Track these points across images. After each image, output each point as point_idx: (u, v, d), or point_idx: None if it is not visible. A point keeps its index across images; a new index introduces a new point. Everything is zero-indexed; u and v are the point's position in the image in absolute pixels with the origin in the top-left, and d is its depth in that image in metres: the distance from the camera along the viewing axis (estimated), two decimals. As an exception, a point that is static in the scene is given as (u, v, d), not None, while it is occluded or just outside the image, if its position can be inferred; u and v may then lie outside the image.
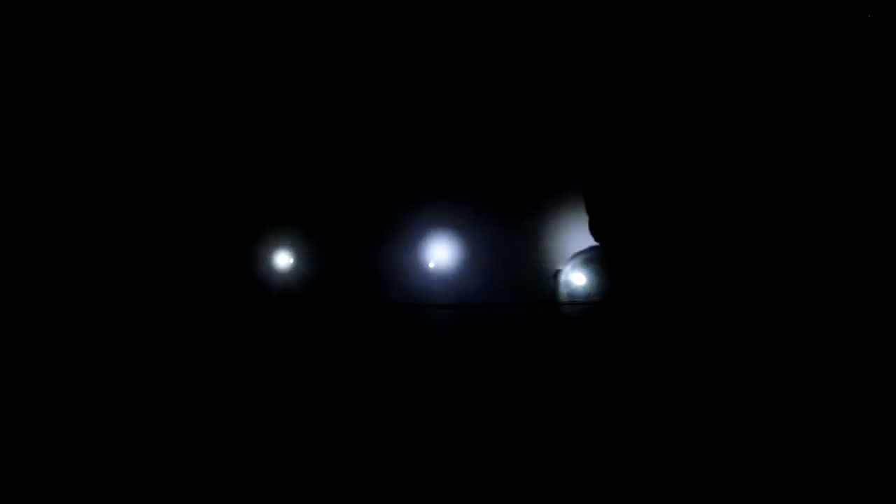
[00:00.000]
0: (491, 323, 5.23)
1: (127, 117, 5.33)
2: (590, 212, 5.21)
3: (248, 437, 5.20)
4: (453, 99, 5.36)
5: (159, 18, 5.28)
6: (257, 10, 5.26)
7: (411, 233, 5.27)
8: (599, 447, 5.23)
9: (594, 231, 5.21)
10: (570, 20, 5.27)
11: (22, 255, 5.21)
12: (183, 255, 5.32)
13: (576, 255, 5.14)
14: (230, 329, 5.31)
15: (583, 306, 5.22)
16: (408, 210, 5.29)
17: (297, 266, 5.34)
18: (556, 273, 5.12)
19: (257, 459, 5.19)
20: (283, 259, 5.36)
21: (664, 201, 5.33)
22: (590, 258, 5.15)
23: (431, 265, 5.29)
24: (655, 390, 5.23)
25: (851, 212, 5.19)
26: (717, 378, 5.22)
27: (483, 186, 5.37)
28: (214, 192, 5.34)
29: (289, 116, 5.43)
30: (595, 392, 5.26)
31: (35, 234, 5.25)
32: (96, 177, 5.32)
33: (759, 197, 5.26)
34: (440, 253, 5.30)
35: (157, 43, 5.28)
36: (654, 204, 5.32)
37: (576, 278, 5.02)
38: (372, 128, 5.39)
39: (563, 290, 5.06)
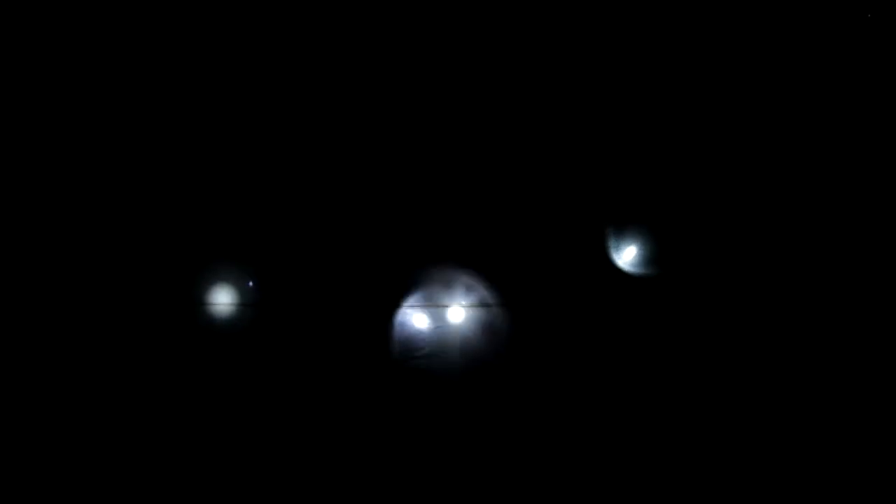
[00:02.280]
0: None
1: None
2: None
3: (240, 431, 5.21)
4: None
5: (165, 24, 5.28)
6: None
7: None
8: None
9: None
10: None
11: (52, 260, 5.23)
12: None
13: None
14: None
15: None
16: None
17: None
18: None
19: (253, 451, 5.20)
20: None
21: (663, 204, 5.34)
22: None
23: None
24: (653, 389, 5.24)
25: (851, 212, 5.20)
26: (711, 378, 5.23)
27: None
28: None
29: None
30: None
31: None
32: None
33: (760, 198, 5.26)
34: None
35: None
36: (654, 206, 5.33)
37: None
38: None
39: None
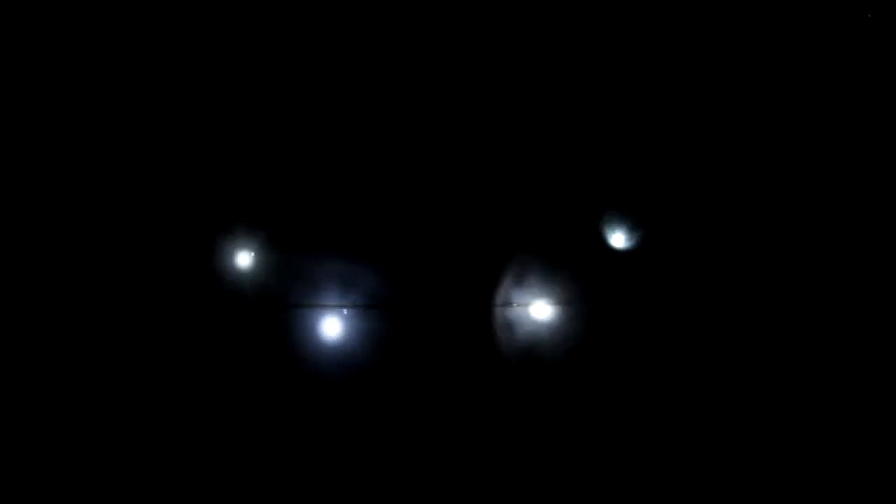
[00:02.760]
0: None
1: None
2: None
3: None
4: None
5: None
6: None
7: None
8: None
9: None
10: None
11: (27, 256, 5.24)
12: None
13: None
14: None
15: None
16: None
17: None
18: None
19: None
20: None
21: (662, 204, 5.34)
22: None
23: None
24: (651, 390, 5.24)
25: (851, 212, 5.19)
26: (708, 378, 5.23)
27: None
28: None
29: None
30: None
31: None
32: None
33: (759, 197, 5.26)
34: None
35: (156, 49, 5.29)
36: (652, 206, 5.33)
37: None
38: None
39: None
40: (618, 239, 5.22)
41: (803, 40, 5.18)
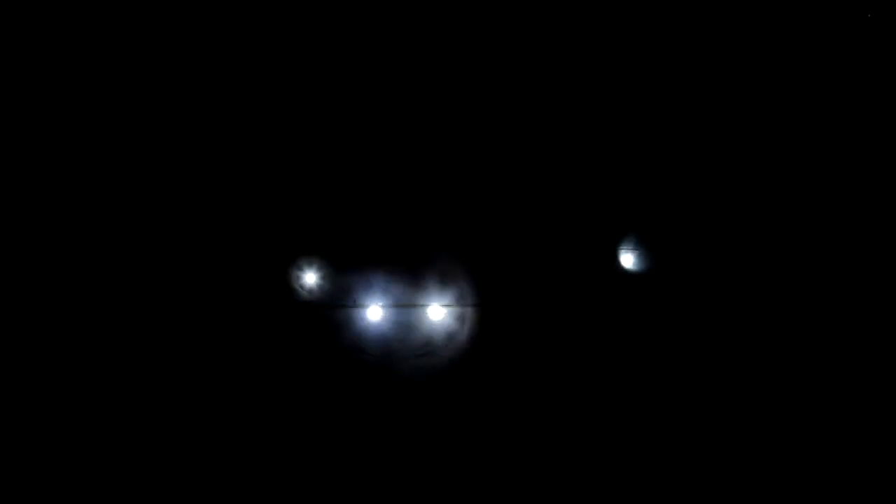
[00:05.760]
0: None
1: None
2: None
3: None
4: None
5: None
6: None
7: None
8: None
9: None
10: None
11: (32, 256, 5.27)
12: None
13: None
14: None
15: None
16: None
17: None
18: None
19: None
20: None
21: (661, 203, 5.33)
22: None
23: None
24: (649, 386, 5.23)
25: (851, 212, 5.19)
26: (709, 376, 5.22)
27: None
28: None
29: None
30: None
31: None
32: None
33: (759, 197, 5.26)
34: None
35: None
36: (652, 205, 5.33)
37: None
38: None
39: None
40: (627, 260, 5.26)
41: (803, 40, 5.20)
